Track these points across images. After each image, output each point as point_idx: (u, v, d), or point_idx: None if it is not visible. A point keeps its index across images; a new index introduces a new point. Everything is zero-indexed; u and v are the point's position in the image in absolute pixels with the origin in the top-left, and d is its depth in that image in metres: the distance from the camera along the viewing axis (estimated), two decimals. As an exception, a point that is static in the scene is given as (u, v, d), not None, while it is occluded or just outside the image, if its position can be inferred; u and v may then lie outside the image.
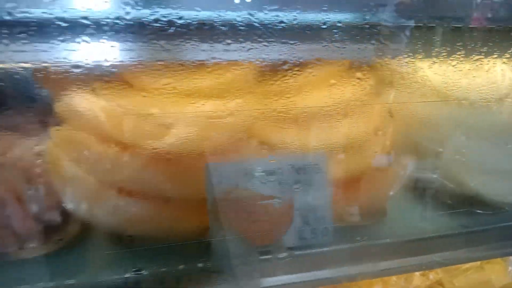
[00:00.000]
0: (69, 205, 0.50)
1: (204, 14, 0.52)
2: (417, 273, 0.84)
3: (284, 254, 0.54)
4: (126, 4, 0.50)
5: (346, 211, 0.59)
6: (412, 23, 0.60)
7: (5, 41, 0.48)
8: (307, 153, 0.58)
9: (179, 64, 0.55)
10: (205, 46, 0.54)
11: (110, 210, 0.49)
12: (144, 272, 0.49)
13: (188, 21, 0.51)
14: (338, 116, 0.62)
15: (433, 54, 0.65)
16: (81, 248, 0.51)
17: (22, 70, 0.52)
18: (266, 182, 0.53)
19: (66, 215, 0.52)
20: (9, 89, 0.58)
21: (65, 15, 0.49)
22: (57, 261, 0.50)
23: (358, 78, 0.64)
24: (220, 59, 0.56)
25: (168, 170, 0.53)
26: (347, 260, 0.55)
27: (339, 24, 0.57)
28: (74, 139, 0.51)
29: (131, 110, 0.55)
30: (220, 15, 0.52)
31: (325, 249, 0.53)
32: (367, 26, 0.58)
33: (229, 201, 0.52)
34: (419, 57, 0.64)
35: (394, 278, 0.84)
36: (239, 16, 0.53)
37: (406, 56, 0.64)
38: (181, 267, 0.50)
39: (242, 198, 0.53)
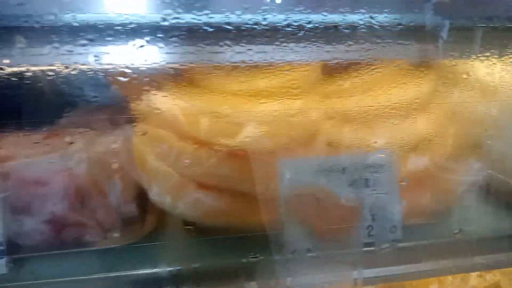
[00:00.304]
0: (153, 198, 0.53)
1: (270, 18, 0.54)
2: (474, 274, 0.83)
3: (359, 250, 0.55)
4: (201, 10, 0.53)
5: (412, 209, 0.60)
6: (477, 23, 0.60)
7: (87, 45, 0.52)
8: (373, 151, 0.60)
9: (248, 65, 0.58)
10: (270, 47, 0.56)
11: (190, 203, 0.53)
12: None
13: (258, 24, 0.54)
14: (402, 115, 0.63)
15: (497, 53, 0.64)
16: (161, 238, 0.55)
17: (102, 73, 0.56)
18: (335, 179, 0.55)
19: (148, 207, 0.56)
20: (94, 91, 0.63)
21: (144, 20, 0.53)
22: (139, 250, 0.54)
23: (421, 78, 0.64)
24: (287, 60, 0.58)
25: (241, 166, 0.55)
26: (415, 258, 0.56)
27: (404, 25, 0.57)
28: (157, 136, 0.54)
29: (204, 110, 0.58)
30: (287, 18, 0.55)
31: (392, 246, 0.54)
32: (430, 26, 0.59)
33: (300, 197, 0.54)
34: (483, 57, 0.64)
35: (450, 278, 0.83)
36: (307, 19, 0.55)
37: (469, 55, 0.64)
38: (255, 258, 0.52)
39: (312, 194, 0.54)
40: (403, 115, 0.63)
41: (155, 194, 0.53)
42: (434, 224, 0.60)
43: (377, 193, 0.55)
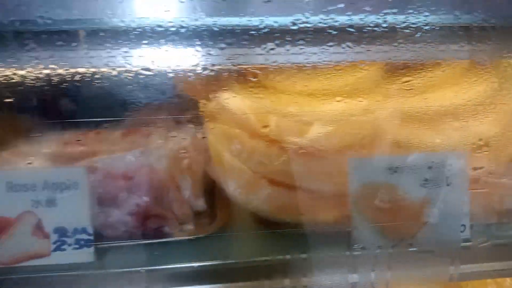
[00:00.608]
0: (228, 192, 0.56)
1: (337, 19, 0.55)
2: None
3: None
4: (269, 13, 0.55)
5: (479, 209, 0.60)
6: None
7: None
8: (440, 151, 0.60)
9: (313, 66, 0.59)
10: (335, 49, 0.58)
11: (262, 198, 0.55)
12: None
13: (320, 26, 0.55)
14: (466, 114, 0.63)
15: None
16: (234, 230, 0.57)
17: (178, 74, 0.59)
18: (402, 178, 0.55)
19: (222, 201, 0.59)
20: (170, 91, 0.66)
21: (211, 23, 0.55)
22: (213, 242, 0.57)
23: (484, 78, 0.64)
24: (351, 60, 0.59)
25: (310, 163, 0.57)
26: (485, 257, 0.55)
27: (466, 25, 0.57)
28: (230, 135, 0.57)
29: (272, 109, 0.60)
30: (350, 19, 0.56)
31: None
32: (492, 26, 0.58)
33: (368, 194, 0.55)
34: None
35: (508, 280, 0.81)
36: (370, 21, 0.56)
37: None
38: (326, 253, 0.54)
39: (380, 192, 0.55)
40: (468, 115, 0.63)
41: (231, 189, 0.55)
42: (505, 224, 0.59)
43: (446, 192, 0.55)
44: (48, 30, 0.54)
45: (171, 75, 0.60)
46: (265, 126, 0.57)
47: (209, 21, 0.55)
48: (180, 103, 0.74)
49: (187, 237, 0.56)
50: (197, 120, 0.70)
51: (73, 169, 0.52)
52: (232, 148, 0.56)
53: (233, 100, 0.61)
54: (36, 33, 0.53)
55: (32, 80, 0.88)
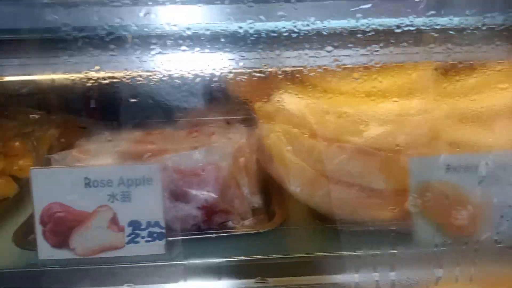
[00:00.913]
0: (290, 190, 0.58)
1: (389, 21, 0.57)
2: None
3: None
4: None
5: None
6: None
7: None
8: (494, 150, 0.61)
9: (365, 67, 0.61)
10: (387, 50, 0.59)
11: (323, 195, 0.57)
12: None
13: (374, 28, 0.57)
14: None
15: None
16: (293, 226, 0.59)
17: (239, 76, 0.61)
18: (463, 177, 0.56)
19: (280, 198, 0.61)
20: (232, 92, 0.69)
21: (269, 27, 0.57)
22: (273, 237, 0.59)
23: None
24: (404, 61, 0.60)
25: (368, 162, 0.58)
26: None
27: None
28: (291, 134, 0.59)
29: (328, 109, 0.62)
30: (402, 22, 0.57)
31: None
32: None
33: (428, 192, 0.56)
34: None
35: None
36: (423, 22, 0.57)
37: None
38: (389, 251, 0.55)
39: (440, 190, 0.57)
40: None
41: (291, 186, 0.58)
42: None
43: (505, 192, 0.56)
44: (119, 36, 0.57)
45: (228, 78, 0.62)
46: (323, 126, 0.59)
47: (268, 25, 0.58)
48: (237, 105, 0.76)
49: (251, 231, 0.58)
50: (253, 121, 0.73)
51: (147, 166, 0.55)
52: (292, 147, 0.58)
53: (290, 101, 0.63)
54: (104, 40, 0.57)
55: (100, 83, 0.92)
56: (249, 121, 0.74)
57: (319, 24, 0.56)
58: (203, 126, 0.71)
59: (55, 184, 0.55)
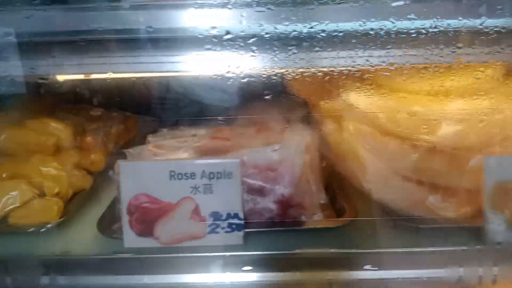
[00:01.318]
0: (363, 187, 0.60)
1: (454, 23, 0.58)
2: None
3: None
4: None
5: None
6: None
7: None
8: None
9: (435, 66, 0.62)
10: (451, 49, 0.60)
11: (396, 193, 0.58)
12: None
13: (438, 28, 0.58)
14: None
15: None
16: (364, 223, 0.61)
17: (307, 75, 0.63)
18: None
19: (349, 194, 0.63)
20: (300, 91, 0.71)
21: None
22: (341, 231, 0.61)
23: None
24: (473, 61, 0.61)
25: (440, 161, 0.60)
26: None
27: None
28: (363, 132, 0.60)
29: (399, 108, 0.63)
30: (466, 23, 0.58)
31: None
32: None
33: (502, 191, 0.57)
34: None
35: None
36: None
37: None
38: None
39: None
40: None
41: (365, 183, 0.59)
42: None
43: None
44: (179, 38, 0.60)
45: (292, 77, 0.64)
46: (395, 124, 0.61)
47: (331, 26, 0.60)
48: (298, 103, 0.79)
49: (325, 226, 0.61)
50: (313, 120, 0.75)
51: (228, 160, 0.58)
52: (365, 145, 0.60)
53: (359, 100, 0.65)
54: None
55: (162, 82, 0.96)
56: (310, 119, 0.76)
57: (390, 25, 0.58)
58: (268, 123, 0.74)
59: (141, 177, 0.58)
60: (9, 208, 0.65)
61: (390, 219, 0.61)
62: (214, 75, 0.64)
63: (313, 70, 0.63)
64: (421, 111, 0.62)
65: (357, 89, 0.66)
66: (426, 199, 0.59)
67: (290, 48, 0.59)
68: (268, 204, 0.59)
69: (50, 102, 0.92)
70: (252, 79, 0.67)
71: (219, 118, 0.83)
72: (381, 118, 0.62)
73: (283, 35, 0.58)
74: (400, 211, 0.60)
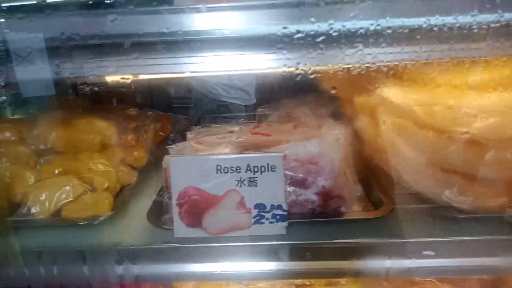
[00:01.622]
0: (402, 179, 0.62)
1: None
2: None
3: None
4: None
5: None
6: None
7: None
8: None
9: (472, 61, 0.63)
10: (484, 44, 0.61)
11: (435, 185, 0.60)
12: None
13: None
14: None
15: None
16: (401, 214, 0.63)
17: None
18: None
19: (385, 186, 0.65)
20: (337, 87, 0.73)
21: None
22: (381, 222, 0.63)
23: None
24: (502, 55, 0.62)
25: (478, 152, 0.61)
26: None
27: None
28: (401, 125, 0.63)
29: (434, 101, 0.65)
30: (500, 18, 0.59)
31: None
32: None
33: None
34: None
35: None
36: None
37: None
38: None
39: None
40: None
41: (403, 175, 0.61)
42: None
43: None
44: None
45: (326, 73, 0.66)
46: (432, 118, 0.63)
47: (365, 24, 0.62)
48: (330, 99, 0.81)
49: (366, 217, 0.63)
50: (351, 114, 0.77)
51: (272, 154, 0.60)
52: (404, 138, 0.62)
53: (395, 95, 0.67)
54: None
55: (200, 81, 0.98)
56: (341, 114, 0.79)
57: (434, 21, 0.59)
58: (302, 119, 0.76)
59: (190, 171, 0.62)
60: (62, 202, 0.70)
61: (430, 209, 0.63)
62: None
63: (349, 66, 0.65)
64: (457, 104, 0.64)
65: (391, 85, 0.68)
66: (464, 190, 0.61)
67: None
68: (310, 196, 0.61)
69: (90, 102, 0.97)
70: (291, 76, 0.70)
71: (256, 113, 0.87)
72: (418, 112, 0.64)
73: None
74: (438, 201, 0.62)
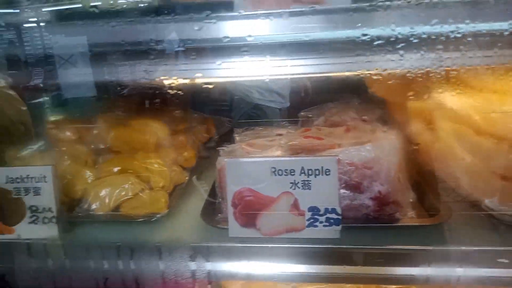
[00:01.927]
0: (460, 186, 0.61)
1: None
2: None
3: None
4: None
5: None
6: None
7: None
8: None
9: None
10: None
11: (494, 192, 0.59)
12: None
13: None
14: None
15: None
16: (458, 221, 0.62)
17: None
18: None
19: (438, 192, 0.64)
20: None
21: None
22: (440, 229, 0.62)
23: None
24: None
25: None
26: None
27: None
28: (459, 131, 0.62)
29: (492, 108, 0.64)
30: None
31: None
32: None
33: None
34: None
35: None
36: None
37: None
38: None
39: None
40: None
41: (461, 182, 0.61)
42: None
43: None
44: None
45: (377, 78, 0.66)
46: (490, 124, 0.61)
47: (425, 29, 0.61)
48: (381, 103, 0.81)
49: (420, 224, 0.63)
50: (403, 119, 0.76)
51: (326, 158, 0.61)
52: (461, 144, 0.61)
53: (450, 100, 0.66)
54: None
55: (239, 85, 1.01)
56: (388, 119, 0.78)
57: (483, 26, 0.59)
58: (351, 123, 0.77)
59: (245, 172, 0.63)
60: (122, 199, 0.74)
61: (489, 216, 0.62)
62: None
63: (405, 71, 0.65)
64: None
65: (446, 90, 0.67)
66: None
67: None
68: (365, 200, 0.62)
69: (137, 104, 1.01)
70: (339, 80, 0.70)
71: (305, 117, 0.87)
72: (476, 118, 0.63)
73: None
74: (497, 209, 0.60)
